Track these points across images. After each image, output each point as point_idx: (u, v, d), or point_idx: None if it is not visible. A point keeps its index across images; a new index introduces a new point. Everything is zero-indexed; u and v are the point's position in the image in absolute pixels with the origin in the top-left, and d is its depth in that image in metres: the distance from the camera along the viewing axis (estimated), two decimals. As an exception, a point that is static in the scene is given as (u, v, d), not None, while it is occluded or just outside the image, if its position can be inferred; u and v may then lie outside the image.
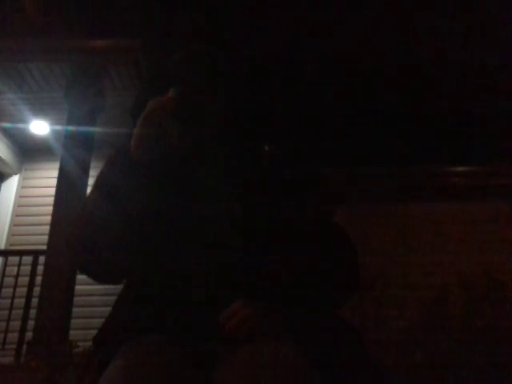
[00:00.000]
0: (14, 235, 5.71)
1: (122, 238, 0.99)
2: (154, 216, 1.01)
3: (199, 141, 1.10)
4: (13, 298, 4.40)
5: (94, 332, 1.04)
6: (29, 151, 6.03)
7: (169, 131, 0.97)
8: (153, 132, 0.98)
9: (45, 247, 4.36)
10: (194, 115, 1.05)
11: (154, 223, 1.02)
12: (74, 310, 4.30)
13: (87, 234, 1.00)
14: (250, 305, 0.93)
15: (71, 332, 4.12)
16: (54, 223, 4.31)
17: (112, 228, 0.98)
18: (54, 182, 4.66)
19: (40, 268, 4.40)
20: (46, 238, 4.42)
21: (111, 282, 1.11)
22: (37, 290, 4.25)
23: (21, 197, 5.92)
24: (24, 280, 4.45)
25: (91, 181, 4.15)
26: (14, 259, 4.77)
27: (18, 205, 5.87)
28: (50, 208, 4.50)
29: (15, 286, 4.48)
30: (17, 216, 5.81)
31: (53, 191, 4.59)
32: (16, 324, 4.29)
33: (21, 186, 5.99)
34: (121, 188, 0.99)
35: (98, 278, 1.08)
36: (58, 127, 5.33)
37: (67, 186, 4.32)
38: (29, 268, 4.52)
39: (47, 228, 4.49)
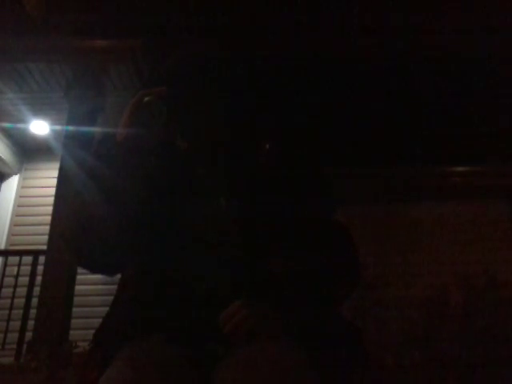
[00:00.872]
0: (14, 235, 5.71)
1: (115, 232, 0.99)
2: (151, 214, 1.01)
3: (198, 140, 1.10)
4: (13, 298, 4.40)
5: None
6: (29, 151, 6.03)
7: (156, 115, 0.98)
8: (140, 114, 0.98)
9: (45, 247, 4.36)
10: (190, 112, 1.05)
11: (152, 222, 1.02)
12: (74, 310, 4.30)
13: (80, 227, 1.00)
14: (249, 305, 0.93)
15: (71, 332, 4.12)
16: (54, 223, 4.31)
17: (104, 222, 0.98)
18: (53, 181, 4.66)
19: (40, 268, 4.40)
20: (46, 237, 4.42)
21: (106, 274, 1.11)
22: (37, 289, 4.25)
23: (21, 197, 5.92)
24: (24, 280, 4.45)
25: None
26: (14, 259, 4.77)
27: (18, 205, 5.87)
28: (50, 208, 4.50)
29: (15, 286, 4.48)
30: (17, 216, 5.81)
31: (53, 191, 4.59)
32: (16, 324, 4.29)
33: (21, 186, 5.98)
34: (110, 180, 0.98)
35: (93, 270, 1.09)
36: (58, 127, 5.33)
37: (67, 186, 4.31)
38: (29, 268, 4.52)
39: (47, 228, 4.49)
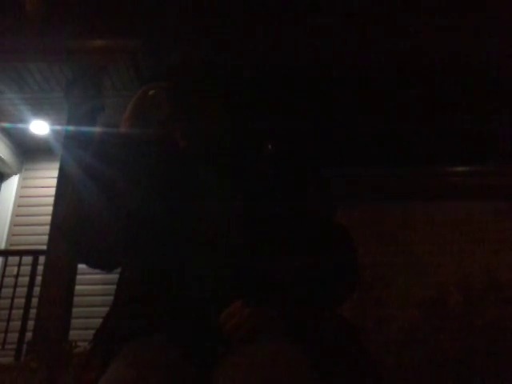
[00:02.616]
0: (14, 235, 5.71)
1: (114, 231, 0.98)
2: (151, 213, 1.01)
3: (199, 140, 1.10)
4: (13, 298, 4.40)
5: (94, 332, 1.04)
6: (29, 151, 6.03)
7: (160, 109, 0.98)
8: (144, 108, 0.99)
9: (45, 247, 4.36)
10: (191, 111, 1.05)
11: (151, 221, 1.01)
12: (74, 309, 4.30)
13: (79, 225, 0.99)
14: (249, 305, 0.93)
15: (71, 332, 4.11)
16: (54, 223, 4.31)
17: (103, 221, 0.97)
18: (53, 181, 4.66)
19: (40, 268, 4.40)
20: (46, 237, 4.42)
21: (103, 270, 1.11)
22: (37, 289, 4.25)
23: (21, 197, 5.92)
24: (24, 280, 4.45)
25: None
26: (14, 259, 4.77)
27: (18, 205, 5.87)
28: (50, 208, 4.50)
29: (15, 286, 4.48)
30: (17, 216, 5.81)
31: (53, 191, 4.59)
32: (16, 324, 4.29)
33: (21, 186, 5.98)
34: (109, 178, 0.98)
35: (91, 266, 1.08)
36: (58, 127, 5.32)
37: (67, 186, 4.31)
38: (29, 268, 4.52)
39: (47, 228, 4.49)
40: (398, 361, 4.61)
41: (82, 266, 4.40)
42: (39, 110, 5.33)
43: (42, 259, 4.41)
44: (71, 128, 4.58)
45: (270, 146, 1.14)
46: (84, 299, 4.85)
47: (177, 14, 4.73)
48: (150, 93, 1.00)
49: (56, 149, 5.39)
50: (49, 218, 4.48)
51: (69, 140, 4.58)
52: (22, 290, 4.42)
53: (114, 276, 1.12)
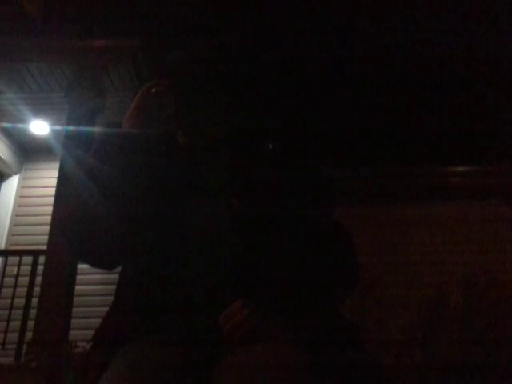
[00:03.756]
0: (14, 235, 5.71)
1: (113, 231, 0.98)
2: (150, 213, 1.01)
3: (200, 139, 1.10)
4: (13, 298, 4.40)
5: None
6: (29, 151, 6.03)
7: (164, 106, 0.98)
8: (148, 105, 0.99)
9: (45, 247, 4.36)
10: (192, 109, 1.05)
11: (151, 221, 1.01)
12: (74, 310, 4.30)
13: (79, 223, 0.99)
14: (249, 305, 0.93)
15: (71, 332, 4.12)
16: (54, 223, 4.31)
17: (103, 221, 0.97)
18: (53, 181, 4.66)
19: (40, 268, 4.40)
20: (46, 237, 4.42)
21: (103, 268, 1.10)
22: (37, 289, 4.25)
23: (21, 197, 5.92)
24: (24, 280, 4.45)
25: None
26: (14, 259, 4.77)
27: (18, 205, 5.87)
28: (50, 208, 4.50)
29: (15, 286, 4.48)
30: (17, 216, 5.81)
31: (53, 191, 4.59)
32: (16, 324, 4.29)
33: (21, 186, 5.98)
34: (109, 179, 0.98)
35: (88, 263, 1.08)
36: (58, 127, 5.32)
37: (67, 186, 4.31)
38: (29, 268, 4.52)
39: (47, 228, 4.49)
40: (398, 361, 4.60)
41: (81, 266, 4.40)
42: (39, 110, 5.33)
43: (42, 259, 4.41)
44: (71, 128, 4.58)
45: (270, 146, 1.14)
46: (84, 299, 4.85)
47: (177, 14, 4.73)
48: (153, 90, 0.99)
49: (56, 149, 5.39)
50: (49, 218, 4.48)
51: (69, 140, 4.59)
52: (22, 290, 4.42)
53: (114, 276, 1.12)
